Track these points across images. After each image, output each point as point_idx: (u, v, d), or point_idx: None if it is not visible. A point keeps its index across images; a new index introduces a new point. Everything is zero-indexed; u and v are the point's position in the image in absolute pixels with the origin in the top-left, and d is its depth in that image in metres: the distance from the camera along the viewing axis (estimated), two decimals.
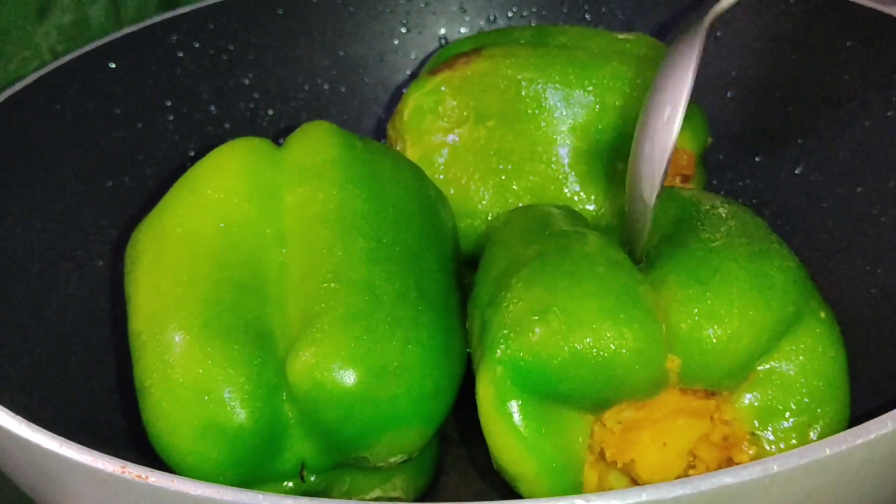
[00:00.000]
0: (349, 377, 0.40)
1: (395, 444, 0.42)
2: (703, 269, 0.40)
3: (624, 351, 0.39)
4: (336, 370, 0.40)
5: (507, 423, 0.40)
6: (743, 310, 0.39)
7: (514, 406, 0.40)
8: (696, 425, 0.41)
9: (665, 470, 0.41)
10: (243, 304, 0.43)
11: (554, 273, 0.41)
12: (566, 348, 0.39)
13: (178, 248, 0.45)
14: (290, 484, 0.43)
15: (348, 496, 0.45)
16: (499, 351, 0.40)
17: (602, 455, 0.42)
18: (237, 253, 0.44)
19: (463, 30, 0.70)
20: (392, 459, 0.42)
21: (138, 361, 0.43)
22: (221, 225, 0.45)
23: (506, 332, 0.40)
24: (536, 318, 0.39)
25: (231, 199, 0.46)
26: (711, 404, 0.41)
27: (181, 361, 0.41)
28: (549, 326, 0.39)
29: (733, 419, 0.41)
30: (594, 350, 0.39)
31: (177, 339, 0.41)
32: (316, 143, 0.48)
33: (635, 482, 0.42)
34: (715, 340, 0.39)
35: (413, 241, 0.45)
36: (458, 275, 0.49)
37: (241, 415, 0.40)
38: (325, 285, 0.42)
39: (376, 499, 0.46)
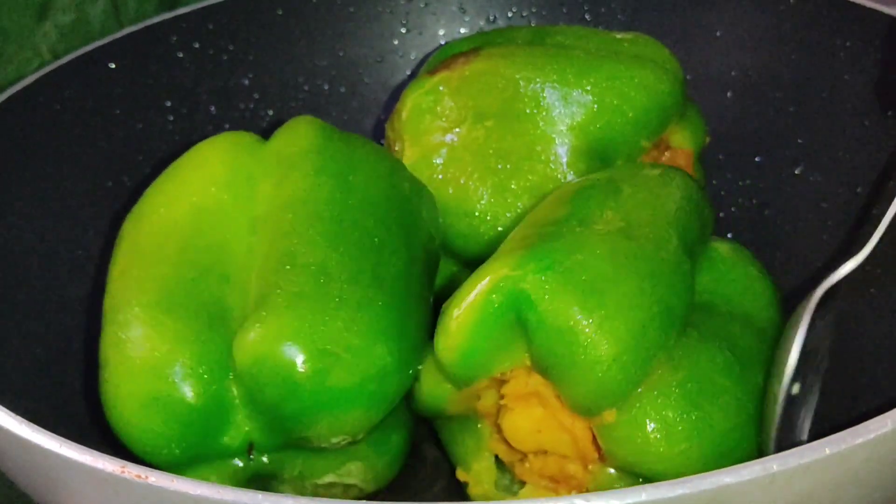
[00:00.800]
0: (290, 354, 0.41)
1: (335, 425, 0.42)
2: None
3: None
4: (278, 347, 0.41)
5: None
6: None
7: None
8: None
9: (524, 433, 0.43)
10: (202, 284, 0.44)
11: None
12: None
13: (150, 233, 0.46)
14: (239, 462, 0.44)
15: (300, 479, 0.46)
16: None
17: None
18: (205, 238, 0.45)
19: (463, 30, 0.70)
20: (334, 440, 0.43)
21: (101, 339, 0.44)
22: (193, 211, 0.46)
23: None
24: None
25: (207, 188, 0.47)
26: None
27: (132, 337, 0.42)
28: None
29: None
30: None
31: (132, 315, 0.43)
32: (294, 134, 0.49)
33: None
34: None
35: (374, 228, 0.45)
36: (428, 264, 0.49)
37: (185, 390, 0.41)
38: (279, 267, 0.43)
39: (330, 484, 0.46)
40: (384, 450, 0.46)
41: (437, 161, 0.54)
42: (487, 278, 0.41)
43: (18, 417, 0.37)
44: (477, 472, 0.47)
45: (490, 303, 0.40)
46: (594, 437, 0.42)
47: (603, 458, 0.42)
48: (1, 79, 0.64)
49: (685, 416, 0.40)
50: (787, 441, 0.42)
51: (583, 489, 0.43)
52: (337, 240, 0.44)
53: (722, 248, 0.48)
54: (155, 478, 0.34)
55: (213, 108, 0.66)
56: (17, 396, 0.43)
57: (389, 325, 0.43)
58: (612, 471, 0.42)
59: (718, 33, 0.65)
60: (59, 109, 0.58)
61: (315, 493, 0.46)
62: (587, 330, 0.39)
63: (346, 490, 0.47)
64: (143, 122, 0.62)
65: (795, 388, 0.42)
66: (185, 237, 0.45)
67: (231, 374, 0.42)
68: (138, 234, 0.47)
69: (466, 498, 0.48)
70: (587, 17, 0.69)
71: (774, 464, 0.32)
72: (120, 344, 0.43)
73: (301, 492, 0.46)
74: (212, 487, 0.33)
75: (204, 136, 0.64)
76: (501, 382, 0.43)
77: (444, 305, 0.43)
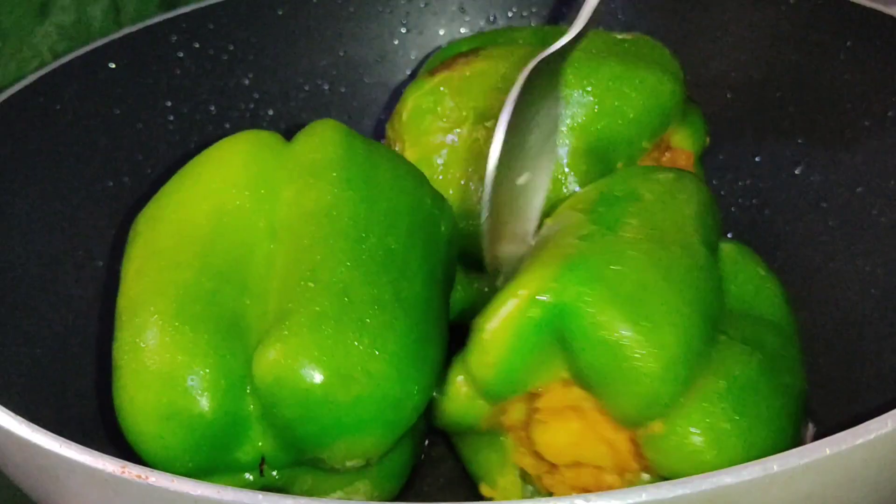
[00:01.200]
0: (311, 376, 0.40)
1: (352, 448, 0.42)
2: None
3: None
4: (299, 368, 0.40)
5: None
6: None
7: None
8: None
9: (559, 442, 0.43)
10: (222, 293, 0.43)
11: None
12: None
13: (169, 233, 0.45)
14: (250, 476, 0.44)
15: (308, 494, 0.45)
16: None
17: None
18: (225, 242, 0.45)
19: (463, 30, 0.70)
20: (349, 463, 0.42)
21: (116, 341, 0.44)
22: (214, 213, 0.45)
23: None
24: None
25: (228, 189, 0.46)
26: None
27: (150, 345, 0.42)
28: None
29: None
30: None
31: (149, 322, 0.42)
32: (320, 140, 0.48)
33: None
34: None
35: (398, 247, 0.45)
36: (446, 283, 0.49)
37: (201, 403, 0.41)
38: (301, 283, 0.42)
39: (337, 501, 0.46)
40: (392, 468, 0.46)
41: (438, 161, 0.54)
42: (524, 291, 0.40)
43: (19, 417, 0.37)
44: (503, 488, 0.46)
45: (528, 317, 0.40)
46: (634, 448, 0.42)
47: (645, 467, 0.42)
48: (1, 79, 0.64)
49: (732, 422, 0.39)
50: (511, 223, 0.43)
51: None
52: (360, 259, 0.43)
53: (727, 249, 0.48)
54: (155, 478, 0.34)
55: (213, 108, 0.66)
56: (18, 396, 0.43)
57: (410, 350, 0.42)
58: (647, 476, 0.42)
59: (718, 33, 0.65)
60: (59, 109, 0.58)
61: None
62: (635, 342, 0.38)
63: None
64: (143, 121, 0.62)
65: (522, 179, 0.42)
66: (205, 241, 0.45)
67: (248, 388, 0.42)
68: (156, 232, 0.46)
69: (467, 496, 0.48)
70: None
71: (774, 464, 0.32)
72: (136, 351, 0.42)
73: None
74: (212, 488, 0.33)
75: (204, 136, 0.65)
76: (532, 396, 0.42)
77: (475, 321, 0.42)
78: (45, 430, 0.37)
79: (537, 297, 0.40)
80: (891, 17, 0.57)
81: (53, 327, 0.52)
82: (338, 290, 0.42)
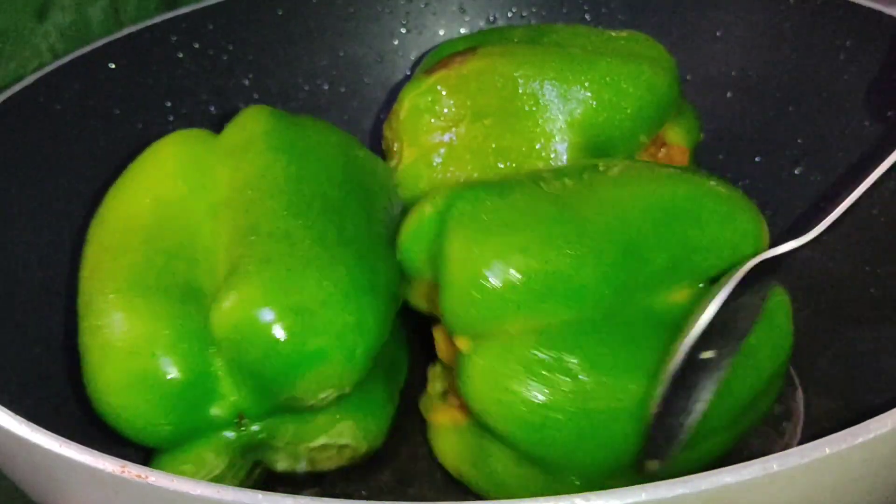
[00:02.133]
0: (266, 316, 0.42)
1: (321, 379, 0.43)
2: None
3: None
4: (252, 310, 0.42)
5: None
6: None
7: None
8: None
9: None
10: (171, 268, 0.45)
11: None
12: None
13: (115, 230, 0.48)
14: (232, 434, 0.45)
15: (294, 444, 0.46)
16: None
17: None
18: (169, 227, 0.47)
19: (463, 30, 0.70)
20: (322, 395, 0.44)
21: (78, 334, 0.45)
22: (155, 205, 0.48)
23: None
24: None
25: (165, 182, 0.49)
26: None
27: (109, 321, 0.43)
28: None
29: None
30: None
31: (106, 303, 0.44)
32: (247, 122, 0.51)
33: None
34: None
35: (336, 193, 0.47)
36: (389, 225, 0.50)
37: (166, 366, 0.42)
38: (244, 239, 0.44)
39: (323, 447, 0.47)
40: (371, 406, 0.47)
41: (437, 160, 0.54)
42: (429, 202, 0.46)
43: (18, 417, 0.37)
44: (432, 377, 0.51)
45: (422, 215, 0.46)
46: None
47: None
48: (1, 79, 0.64)
49: (515, 376, 0.41)
50: (678, 404, 0.42)
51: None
52: (298, 208, 0.46)
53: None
54: (155, 477, 0.34)
55: (212, 108, 0.66)
56: (17, 396, 0.43)
57: (359, 280, 0.44)
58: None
59: (718, 33, 0.65)
60: (59, 109, 0.58)
61: (310, 457, 0.47)
62: (457, 257, 0.43)
63: (339, 451, 0.48)
64: (143, 122, 0.62)
65: (708, 354, 0.42)
66: (149, 228, 0.47)
67: (211, 346, 0.43)
68: (103, 232, 0.48)
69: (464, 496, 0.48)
70: (587, 17, 0.69)
71: (775, 463, 0.32)
72: (96, 331, 0.44)
73: (296, 457, 0.47)
74: (211, 487, 0.33)
75: None
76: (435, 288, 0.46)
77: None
78: (44, 430, 0.37)
79: (434, 202, 0.45)
80: (891, 17, 0.57)
81: (53, 327, 0.52)
82: (279, 237, 0.44)
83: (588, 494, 0.32)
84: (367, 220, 0.48)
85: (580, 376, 0.41)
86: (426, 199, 0.46)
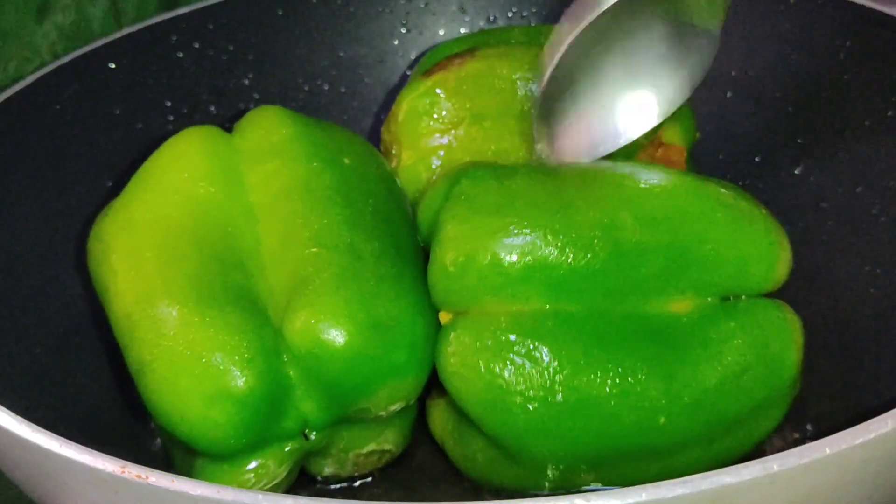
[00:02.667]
0: (348, 333, 0.42)
1: (394, 392, 0.44)
2: None
3: None
4: (335, 327, 0.42)
5: None
6: None
7: None
8: None
9: None
10: (229, 276, 0.44)
11: None
12: None
13: (153, 233, 0.46)
14: (294, 444, 0.45)
15: (345, 451, 0.47)
16: None
17: None
18: (211, 231, 0.46)
19: (463, 30, 0.70)
20: (392, 408, 0.45)
21: (132, 342, 0.44)
22: (189, 206, 0.47)
23: None
24: None
25: (196, 182, 0.48)
26: None
27: (182, 334, 0.42)
28: None
29: None
30: None
31: (173, 313, 0.43)
32: (269, 124, 0.50)
33: None
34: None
35: (382, 206, 0.48)
36: (416, 237, 0.51)
37: (246, 379, 0.42)
38: (307, 251, 0.44)
39: (370, 452, 0.48)
40: (407, 411, 0.48)
41: (436, 163, 0.54)
42: (448, 172, 0.48)
43: (18, 417, 0.37)
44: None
45: (435, 188, 0.47)
46: None
47: None
48: (1, 79, 0.64)
49: (481, 353, 0.42)
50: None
51: None
52: (355, 220, 0.46)
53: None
54: (155, 478, 0.34)
55: (212, 108, 0.66)
56: (17, 396, 0.43)
57: (420, 294, 0.45)
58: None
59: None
60: (59, 109, 0.58)
61: (356, 463, 0.48)
62: (447, 233, 0.44)
63: (380, 456, 0.49)
64: (143, 122, 0.62)
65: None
66: (192, 232, 0.46)
67: (284, 357, 0.43)
68: (135, 236, 0.47)
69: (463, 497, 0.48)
70: None
71: (775, 464, 0.32)
72: (166, 342, 0.42)
73: (342, 463, 0.48)
74: (212, 487, 0.33)
75: None
76: None
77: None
78: (44, 430, 0.37)
79: (447, 177, 0.47)
80: (891, 17, 0.57)
81: (53, 327, 0.52)
82: (346, 251, 0.44)
83: (588, 494, 0.32)
84: (409, 232, 0.49)
85: (549, 367, 0.42)
86: (445, 172, 0.48)
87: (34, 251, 0.53)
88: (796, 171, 0.61)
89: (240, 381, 0.42)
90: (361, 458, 0.48)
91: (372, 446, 0.48)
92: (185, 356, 0.42)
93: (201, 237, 0.46)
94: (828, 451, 0.33)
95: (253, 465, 0.44)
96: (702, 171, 0.59)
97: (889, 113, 0.56)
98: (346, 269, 0.44)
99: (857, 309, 0.53)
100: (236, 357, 0.42)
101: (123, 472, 0.34)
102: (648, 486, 0.32)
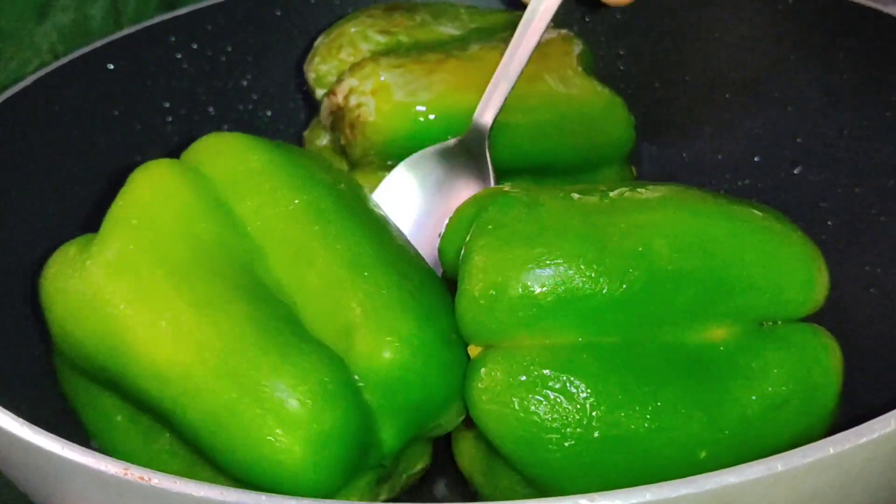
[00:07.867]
0: (426, 352, 0.42)
1: (462, 404, 0.44)
2: None
3: None
4: (414, 348, 0.42)
5: None
6: None
7: None
8: None
9: None
10: (284, 316, 0.43)
11: None
12: None
13: (171, 277, 0.43)
14: (372, 474, 0.44)
15: (401, 473, 0.46)
16: None
17: None
18: (231, 268, 0.43)
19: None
20: (459, 419, 0.45)
21: (194, 401, 0.41)
22: (198, 246, 0.44)
23: None
24: None
25: (192, 218, 0.45)
26: None
27: (266, 383, 0.40)
28: None
29: None
30: None
31: (246, 369, 0.40)
32: (233, 151, 0.48)
33: None
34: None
35: (381, 226, 0.47)
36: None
37: (342, 415, 0.40)
38: (355, 277, 0.43)
39: (419, 471, 0.47)
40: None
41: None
42: (475, 198, 0.46)
43: (20, 419, 0.37)
44: None
45: (460, 214, 0.45)
46: None
47: None
48: (1, 79, 0.64)
49: (515, 389, 0.41)
50: None
51: None
52: (377, 242, 0.45)
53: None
54: (158, 480, 0.34)
55: (211, 109, 0.66)
56: (18, 398, 0.43)
57: (451, 306, 0.45)
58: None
59: (718, 33, 0.65)
60: (59, 109, 0.58)
61: (404, 484, 0.47)
62: (476, 264, 0.42)
63: (419, 474, 0.48)
64: (142, 122, 0.62)
65: None
66: (218, 272, 0.43)
67: (360, 385, 0.42)
68: (142, 281, 0.43)
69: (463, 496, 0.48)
70: (586, 17, 0.69)
71: (779, 463, 0.32)
72: (247, 395, 0.40)
73: (395, 486, 0.47)
74: (214, 489, 0.33)
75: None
76: None
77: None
78: (46, 432, 0.36)
79: (478, 200, 0.45)
80: (891, 16, 0.57)
81: None
82: (392, 271, 0.44)
83: (593, 495, 0.32)
84: (416, 252, 0.48)
85: (585, 402, 0.40)
86: (471, 198, 0.46)
87: (33, 251, 0.53)
88: (796, 171, 0.61)
89: (337, 418, 0.40)
90: (410, 479, 0.47)
91: (420, 465, 0.47)
92: (280, 406, 0.39)
93: (227, 276, 0.43)
94: (831, 450, 0.33)
95: (340, 496, 0.42)
96: (702, 171, 0.59)
97: (888, 113, 0.56)
98: (400, 289, 0.43)
99: (857, 309, 0.53)
100: (327, 394, 0.40)
101: (126, 474, 0.34)
102: (652, 486, 0.32)
